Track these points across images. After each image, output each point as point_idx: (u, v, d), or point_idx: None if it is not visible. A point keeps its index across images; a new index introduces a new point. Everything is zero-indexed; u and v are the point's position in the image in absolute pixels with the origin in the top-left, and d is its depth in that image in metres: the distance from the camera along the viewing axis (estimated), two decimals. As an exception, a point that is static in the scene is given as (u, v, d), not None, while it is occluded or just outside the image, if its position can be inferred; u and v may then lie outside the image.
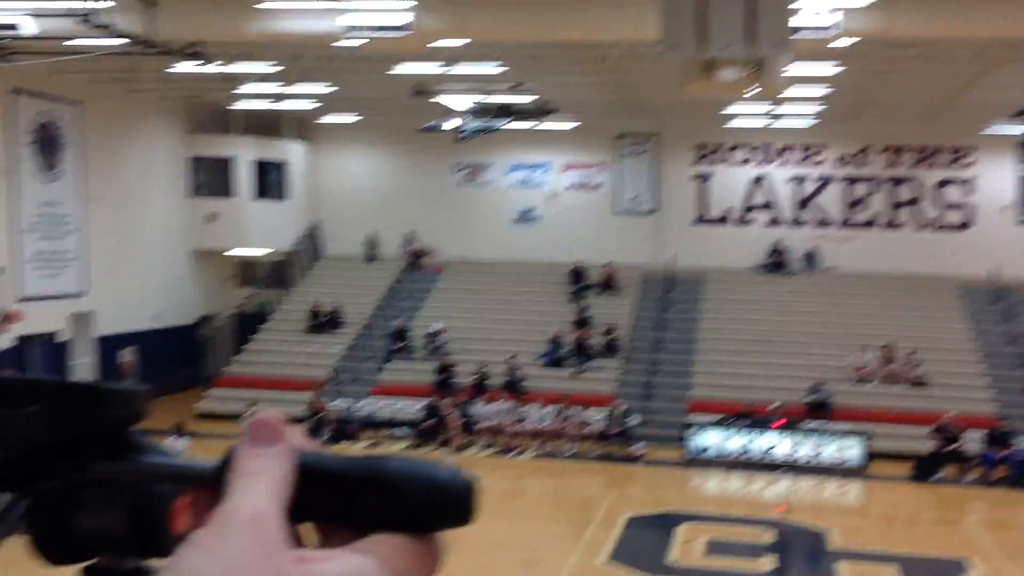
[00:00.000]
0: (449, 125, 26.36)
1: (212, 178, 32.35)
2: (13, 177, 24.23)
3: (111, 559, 0.91)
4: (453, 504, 0.83)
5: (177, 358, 30.71)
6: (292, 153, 33.13)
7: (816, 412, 25.19)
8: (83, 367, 26.89)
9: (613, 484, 21.90)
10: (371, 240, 33.08)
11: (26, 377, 0.88)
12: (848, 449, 23.47)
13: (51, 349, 25.95)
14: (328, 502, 0.81)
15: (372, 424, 25.22)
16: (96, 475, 0.89)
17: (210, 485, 0.81)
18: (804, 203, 32.30)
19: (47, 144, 25.52)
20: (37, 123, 25.17)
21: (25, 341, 24.80)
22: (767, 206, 32.45)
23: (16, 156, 24.36)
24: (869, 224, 31.91)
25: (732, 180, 32.55)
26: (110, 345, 27.52)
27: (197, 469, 0.86)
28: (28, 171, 24.84)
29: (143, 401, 0.91)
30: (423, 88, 24.76)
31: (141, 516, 0.90)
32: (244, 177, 32.04)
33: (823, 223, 32.08)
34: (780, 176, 32.34)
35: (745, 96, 18.10)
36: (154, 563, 0.90)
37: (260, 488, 0.77)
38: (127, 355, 27.19)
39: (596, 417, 24.45)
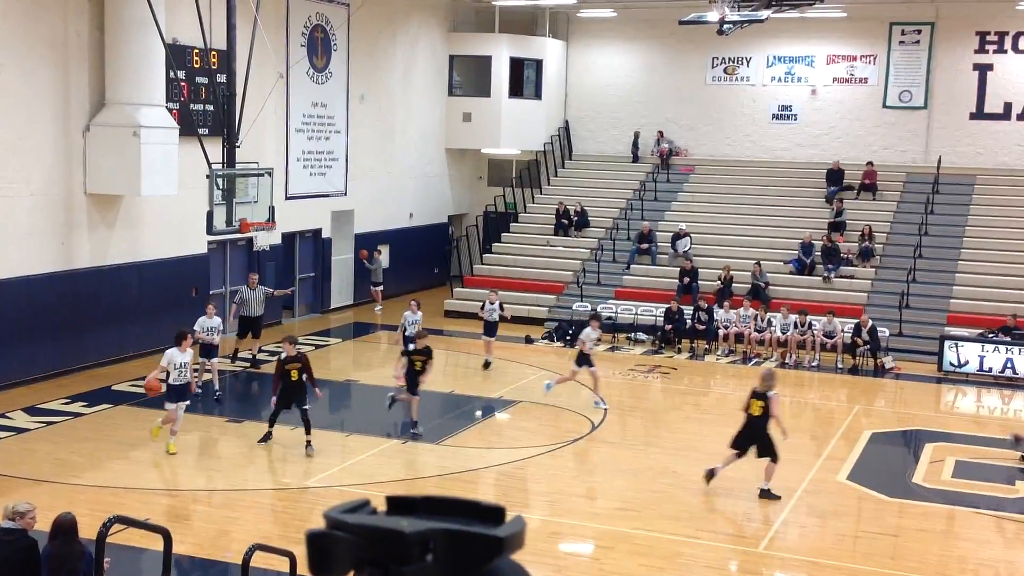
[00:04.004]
0: (711, 17, 25.43)
1: (470, 77, 32.98)
2: (287, 78, 25.56)
3: None
4: None
5: (428, 256, 31.98)
6: (548, 50, 33.16)
7: (1091, 329, 23.21)
8: (343, 263, 28.47)
9: (858, 398, 21.10)
10: (635, 138, 32.85)
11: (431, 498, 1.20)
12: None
13: (314, 245, 27.60)
14: None
15: (613, 327, 25.35)
16: None
17: None
18: (1098, 96, 29.25)
19: (318, 46, 26.73)
20: (309, 25, 26.36)
21: (291, 237, 26.46)
22: (1054, 99, 29.64)
23: (290, 58, 25.65)
24: None
25: (1016, 71, 29.86)
26: (368, 242, 28.92)
27: None
28: (300, 72, 26.13)
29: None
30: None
31: None
32: (501, 76, 32.43)
33: (1118, 118, 28.99)
34: (1071, 65, 29.40)
35: None
36: None
37: None
38: (366, 251, 28.44)
39: (844, 328, 23.51)
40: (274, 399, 15.66)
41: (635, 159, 32.80)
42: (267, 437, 15.92)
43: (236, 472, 15.07)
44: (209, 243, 22.92)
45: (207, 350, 18.96)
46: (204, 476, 15.04)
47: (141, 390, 18.62)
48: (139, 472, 14.76)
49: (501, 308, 22.17)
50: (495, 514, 1.57)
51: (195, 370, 17.29)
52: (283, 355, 15.67)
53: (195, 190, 20.40)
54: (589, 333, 19.04)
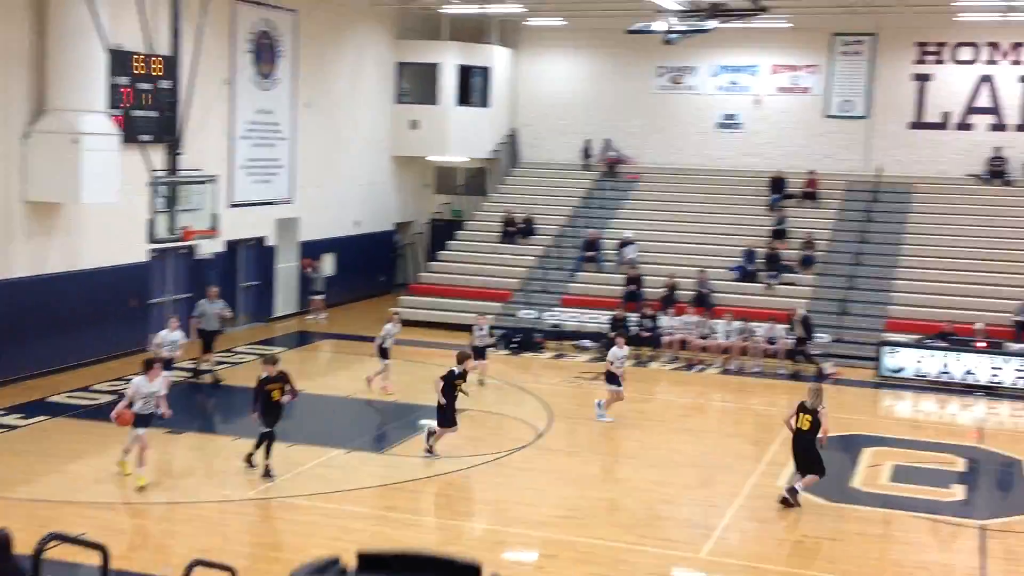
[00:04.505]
0: (657, 27, 25.68)
1: (417, 84, 32.95)
2: (232, 85, 25.37)
3: None
4: None
5: (374, 264, 31.88)
6: (497, 58, 33.24)
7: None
8: (287, 271, 28.28)
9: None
10: (586, 146, 33.03)
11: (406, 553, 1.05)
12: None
13: (258, 253, 27.40)
14: None
15: (559, 335, 25.45)
16: None
17: None
18: (1032, 106, 29.91)
19: (264, 52, 26.57)
20: (255, 32, 26.20)
21: (234, 245, 26.25)
22: (990, 109, 30.24)
23: (236, 65, 25.47)
24: (1104, 129, 29.29)
25: (954, 81, 30.47)
26: (314, 250, 28.78)
27: None
28: (245, 79, 25.95)
29: None
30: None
31: None
32: (448, 83, 32.44)
33: (1052, 128, 29.69)
34: (1008, 76, 29.99)
35: None
36: None
37: None
38: (309, 260, 28.30)
39: (785, 334, 23.82)
40: (254, 416, 14.96)
41: (586, 167, 32.98)
42: (251, 459, 15.14)
43: (176, 485, 14.91)
44: (150, 252, 22.67)
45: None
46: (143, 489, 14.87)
47: (80, 401, 18.39)
48: (76, 486, 14.55)
49: (490, 334, 21.81)
50: (471, 572, 1.51)
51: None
52: (263, 375, 15.04)
53: (137, 198, 20.14)
54: (616, 352, 19.04)
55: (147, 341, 20.33)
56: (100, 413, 15.69)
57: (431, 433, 16.28)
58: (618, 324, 24.37)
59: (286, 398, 15.01)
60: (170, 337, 18.82)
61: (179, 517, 13.61)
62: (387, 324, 20.77)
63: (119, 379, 20.77)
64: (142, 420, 14.36)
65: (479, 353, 20.99)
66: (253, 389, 15.15)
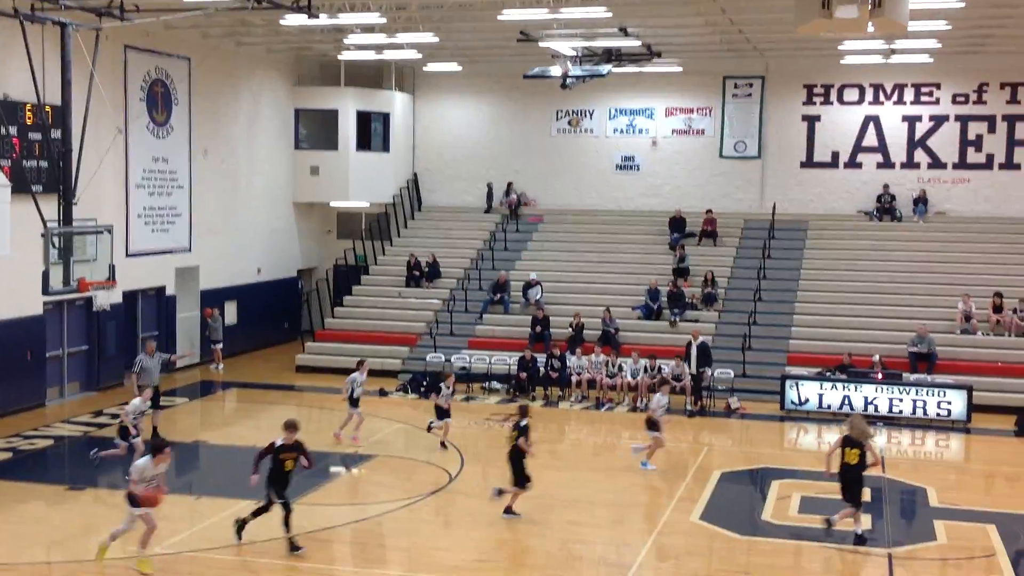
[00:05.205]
0: (554, 72, 26.07)
1: (316, 130, 32.80)
2: (125, 133, 24.92)
3: None
4: None
5: (278, 311, 31.48)
6: (395, 104, 33.29)
7: (919, 364, 24.44)
8: (188, 320, 27.74)
9: (707, 439, 21.64)
10: (489, 189, 33.20)
11: None
12: (950, 403, 22.73)
13: (158, 302, 26.83)
14: None
15: (468, 377, 25.39)
16: None
17: None
18: (916, 144, 31.03)
19: (158, 100, 26.17)
20: (148, 80, 25.80)
21: (133, 296, 25.68)
22: (877, 148, 31.32)
23: (129, 112, 25.03)
24: (984, 166, 30.50)
25: (841, 121, 31.50)
26: (214, 299, 28.30)
27: None
28: (140, 127, 25.52)
29: None
30: (528, 34, 24.57)
31: None
32: (348, 129, 32.37)
33: (935, 165, 30.81)
34: (892, 116, 31.13)
35: (864, 33, 17.15)
36: None
37: None
38: (210, 310, 27.84)
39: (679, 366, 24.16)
40: (255, 479, 13.95)
41: (489, 209, 33.14)
42: (245, 526, 14.18)
43: (77, 542, 14.39)
44: (45, 304, 22.03)
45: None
46: (44, 548, 14.32)
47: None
48: (-28, 547, 13.95)
49: (453, 393, 20.74)
50: None
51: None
52: (279, 441, 13.98)
53: (29, 249, 19.57)
54: (660, 399, 18.97)
55: (128, 370, 20.02)
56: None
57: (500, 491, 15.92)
58: (526, 365, 24.31)
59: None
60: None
61: (81, 577, 13.14)
62: (354, 373, 20.33)
63: (15, 435, 20.08)
64: (134, 500, 13.23)
65: (442, 413, 19.94)
66: (261, 452, 14.10)
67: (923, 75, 30.39)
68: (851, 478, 14.70)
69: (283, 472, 13.91)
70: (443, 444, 19.71)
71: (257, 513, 14.12)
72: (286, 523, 13.87)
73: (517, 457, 15.61)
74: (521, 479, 15.63)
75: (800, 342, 26.09)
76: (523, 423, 15.75)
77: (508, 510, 15.65)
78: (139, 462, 13.43)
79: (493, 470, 18.73)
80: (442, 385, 20.32)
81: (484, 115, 33.99)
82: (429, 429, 20.09)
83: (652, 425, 18.81)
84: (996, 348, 25.22)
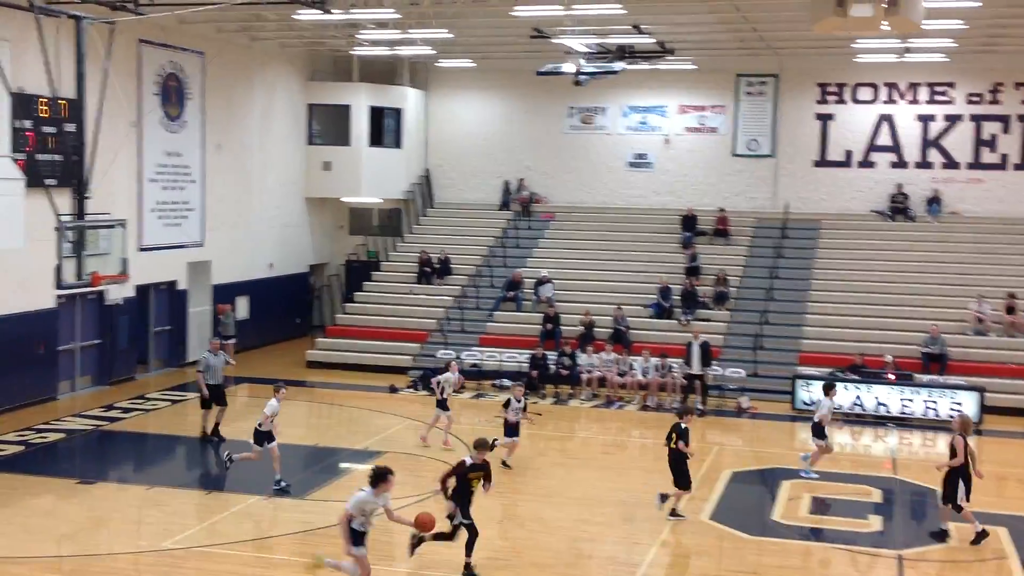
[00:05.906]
0: (567, 68, 26.01)
1: (329, 126, 32.82)
2: (139, 127, 24.96)
3: None
4: None
5: (289, 307, 31.53)
6: (408, 99, 33.29)
7: (931, 365, 24.36)
8: (200, 315, 27.80)
9: (717, 438, 21.60)
10: (505, 186, 33.18)
11: None
12: (962, 404, 22.63)
13: (169, 297, 26.89)
14: None
15: (479, 374, 25.40)
16: None
17: None
18: (930, 144, 30.91)
19: (171, 94, 26.22)
20: (162, 74, 25.85)
21: (145, 290, 25.74)
22: (891, 147, 31.20)
23: (143, 107, 25.07)
24: (998, 166, 30.37)
25: (855, 120, 31.39)
26: (226, 293, 28.35)
27: None
28: (153, 121, 25.56)
29: None
30: (541, 30, 24.55)
31: None
32: (360, 124, 32.38)
33: (949, 165, 30.69)
34: (906, 115, 31.00)
35: (879, 31, 17.04)
36: None
37: None
38: (223, 306, 27.80)
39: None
40: (450, 504, 13.20)
41: (505, 206, 33.12)
42: (453, 534, 13.24)
43: (88, 537, 14.45)
44: (58, 297, 22.10)
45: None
46: (54, 542, 14.37)
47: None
48: (-17, 540, 14.01)
49: (525, 408, 19.05)
50: None
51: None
52: (468, 460, 13.34)
53: (43, 243, 19.64)
54: (827, 402, 18.58)
55: (199, 367, 20.00)
56: (8, 465, 15.14)
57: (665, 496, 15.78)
58: (537, 362, 24.28)
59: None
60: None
61: (92, 570, 13.17)
62: (446, 372, 20.30)
63: (27, 429, 20.17)
64: (359, 538, 11.56)
65: (512, 430, 18.63)
66: (450, 471, 13.45)
67: (937, 74, 30.27)
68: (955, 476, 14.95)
69: (470, 492, 13.24)
70: (505, 463, 18.29)
71: (442, 537, 13.18)
72: (468, 547, 13.13)
73: (679, 460, 15.65)
74: (684, 481, 15.67)
75: (812, 342, 26.01)
76: (684, 426, 15.73)
77: (673, 512, 15.66)
78: (360, 496, 11.51)
79: (500, 467, 18.74)
80: (511, 398, 18.78)
81: (497, 111, 33.98)
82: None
83: (818, 431, 18.34)
84: (1009, 350, 25.13)
